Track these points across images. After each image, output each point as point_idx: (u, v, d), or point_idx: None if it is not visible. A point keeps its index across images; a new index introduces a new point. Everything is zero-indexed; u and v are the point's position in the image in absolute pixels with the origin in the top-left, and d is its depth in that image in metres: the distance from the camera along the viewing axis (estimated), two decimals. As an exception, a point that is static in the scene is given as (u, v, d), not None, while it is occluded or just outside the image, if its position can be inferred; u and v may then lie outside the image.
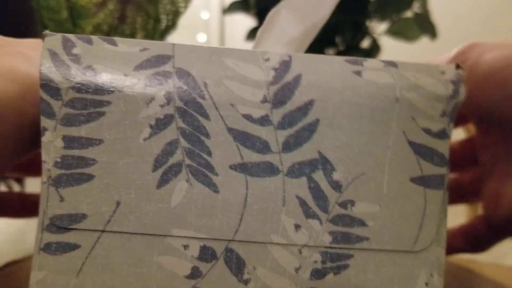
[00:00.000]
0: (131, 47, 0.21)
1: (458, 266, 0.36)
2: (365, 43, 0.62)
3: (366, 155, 0.20)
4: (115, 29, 0.57)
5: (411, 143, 0.21)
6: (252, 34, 0.65)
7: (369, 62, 0.21)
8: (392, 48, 0.67)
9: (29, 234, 0.40)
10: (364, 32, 0.61)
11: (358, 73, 0.21)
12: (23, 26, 0.60)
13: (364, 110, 0.20)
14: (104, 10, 0.57)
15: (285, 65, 0.21)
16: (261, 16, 0.64)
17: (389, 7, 0.60)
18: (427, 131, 0.21)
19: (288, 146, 0.20)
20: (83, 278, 0.19)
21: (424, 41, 0.61)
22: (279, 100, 0.20)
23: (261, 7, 0.63)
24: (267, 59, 0.21)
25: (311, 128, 0.20)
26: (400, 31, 0.61)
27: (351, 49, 0.62)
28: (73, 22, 0.55)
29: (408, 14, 0.60)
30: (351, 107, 0.20)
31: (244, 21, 0.69)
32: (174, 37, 0.60)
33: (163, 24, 0.60)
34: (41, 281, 0.19)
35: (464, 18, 0.98)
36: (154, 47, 0.21)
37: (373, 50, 0.62)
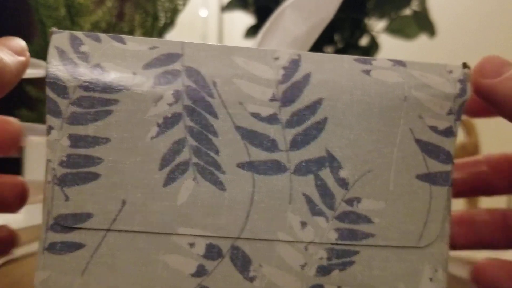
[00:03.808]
0: (140, 45, 0.20)
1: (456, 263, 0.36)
2: (364, 41, 0.63)
3: (374, 153, 0.20)
4: (113, 26, 0.57)
5: (418, 141, 0.21)
6: (250, 31, 0.65)
7: (378, 61, 0.21)
8: (390, 46, 0.67)
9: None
10: (362, 30, 0.62)
11: (367, 72, 0.21)
12: (21, 24, 0.60)
13: (373, 108, 0.20)
14: (102, 8, 0.57)
15: (294, 64, 0.21)
16: (259, 13, 0.63)
17: (387, 5, 0.60)
18: (434, 129, 0.21)
19: (296, 144, 0.20)
20: (88, 278, 0.19)
21: (422, 39, 0.61)
22: (288, 98, 0.20)
23: (260, 5, 0.63)
24: (277, 58, 0.21)
25: (319, 127, 0.20)
26: (398, 29, 0.61)
27: (350, 47, 0.62)
28: (71, 20, 0.55)
29: (407, 12, 0.60)
30: (360, 105, 0.20)
31: (243, 18, 0.69)
32: (172, 35, 0.60)
33: (162, 21, 0.60)
34: (45, 281, 0.19)
35: (463, 16, 0.98)
36: (164, 45, 0.20)
37: (372, 48, 0.62)
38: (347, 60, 0.21)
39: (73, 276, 0.19)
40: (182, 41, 0.21)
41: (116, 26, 0.57)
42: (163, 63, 0.20)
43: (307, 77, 0.20)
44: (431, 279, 0.20)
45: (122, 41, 0.20)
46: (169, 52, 0.20)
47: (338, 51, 0.62)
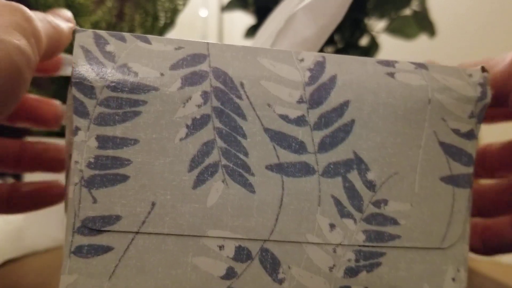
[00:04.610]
0: (166, 46, 0.20)
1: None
2: (364, 41, 0.63)
3: (399, 155, 0.20)
4: (113, 26, 0.56)
5: (442, 144, 0.21)
6: (250, 31, 0.64)
7: (400, 64, 0.22)
8: (390, 46, 0.67)
9: (27, 232, 0.39)
10: (362, 29, 0.62)
11: (391, 74, 0.21)
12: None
13: (398, 111, 0.21)
14: (102, 8, 0.57)
15: (319, 66, 0.21)
16: (259, 13, 0.63)
17: (387, 5, 0.60)
18: (457, 131, 0.21)
19: (324, 146, 0.20)
20: (116, 281, 0.19)
21: (422, 39, 0.61)
22: (315, 100, 0.20)
23: (260, 5, 0.63)
24: (302, 60, 0.21)
25: (347, 129, 0.20)
26: (398, 29, 0.62)
27: (350, 47, 0.62)
28: (71, 20, 0.54)
29: (407, 11, 0.60)
30: (386, 108, 0.21)
31: (243, 18, 0.69)
32: (172, 35, 0.60)
33: (162, 21, 0.59)
34: (72, 285, 0.18)
35: (463, 16, 0.99)
36: (189, 45, 0.20)
37: (372, 48, 0.62)
38: (371, 62, 0.21)
39: (100, 279, 0.19)
40: (207, 42, 0.21)
41: (116, 26, 0.57)
42: (190, 64, 0.20)
43: (333, 79, 0.21)
44: (453, 279, 0.20)
45: (147, 41, 0.20)
46: (195, 53, 0.20)
47: (338, 51, 0.62)
